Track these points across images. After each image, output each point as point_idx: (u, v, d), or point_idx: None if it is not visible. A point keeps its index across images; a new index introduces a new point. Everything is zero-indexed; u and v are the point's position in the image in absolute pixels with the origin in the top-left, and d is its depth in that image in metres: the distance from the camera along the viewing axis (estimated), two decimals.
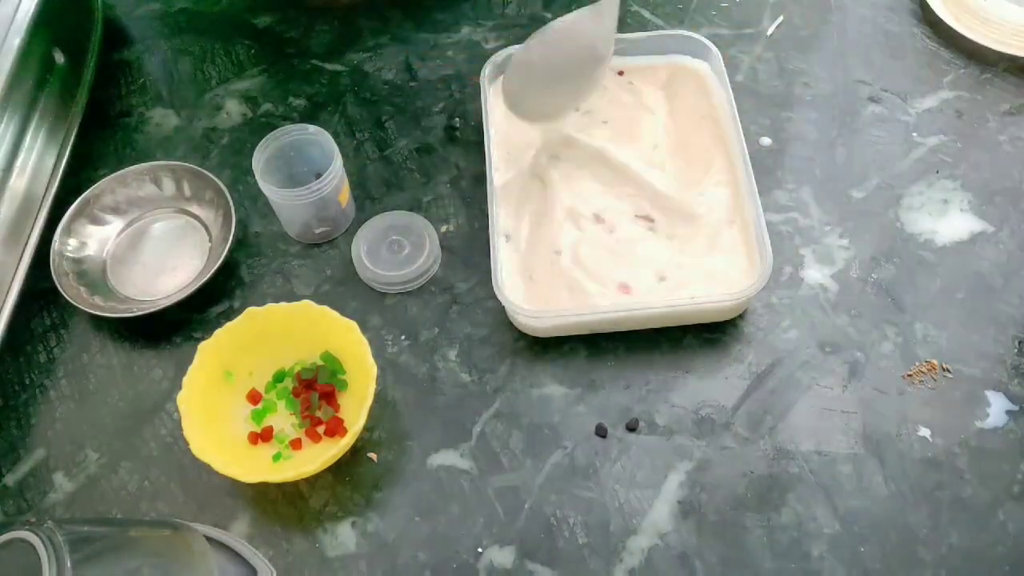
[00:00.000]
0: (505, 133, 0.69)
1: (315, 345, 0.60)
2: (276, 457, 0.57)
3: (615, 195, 0.65)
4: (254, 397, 0.59)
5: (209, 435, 0.55)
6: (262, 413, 0.59)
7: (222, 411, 0.58)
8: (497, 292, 0.58)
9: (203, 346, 0.57)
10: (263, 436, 0.58)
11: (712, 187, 0.64)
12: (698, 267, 0.61)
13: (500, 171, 0.66)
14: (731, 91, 0.66)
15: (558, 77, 0.64)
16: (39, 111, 0.68)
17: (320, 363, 0.60)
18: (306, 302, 0.58)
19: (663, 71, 0.71)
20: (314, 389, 0.59)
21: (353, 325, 0.57)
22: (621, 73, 0.71)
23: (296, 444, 0.58)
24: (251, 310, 0.58)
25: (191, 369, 0.56)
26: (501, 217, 0.64)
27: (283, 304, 0.58)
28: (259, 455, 0.57)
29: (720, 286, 0.60)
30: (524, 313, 0.59)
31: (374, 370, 0.55)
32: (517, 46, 0.70)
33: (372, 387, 0.55)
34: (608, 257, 0.62)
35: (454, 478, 0.57)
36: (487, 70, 0.70)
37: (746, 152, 0.62)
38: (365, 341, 0.56)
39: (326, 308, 0.58)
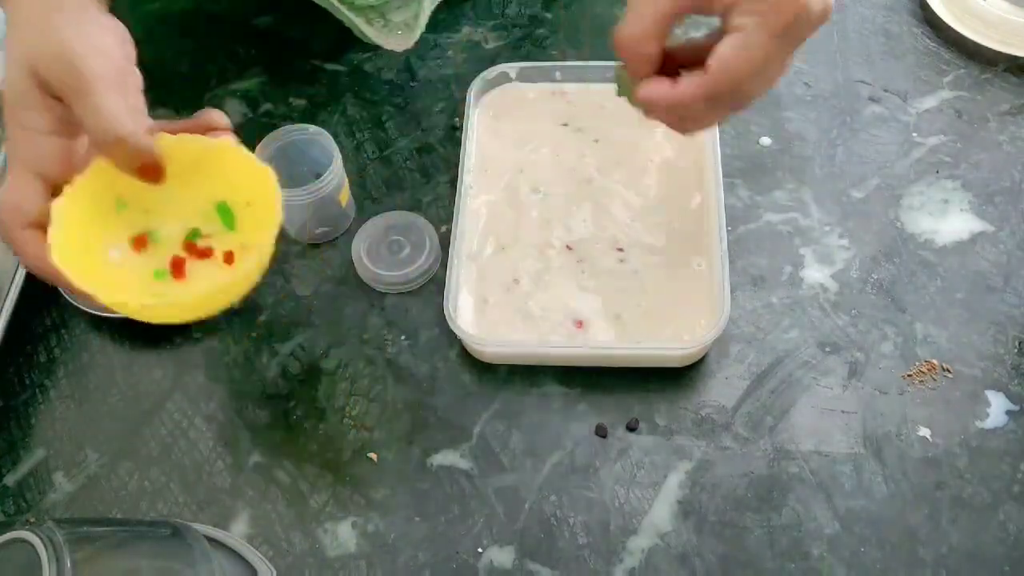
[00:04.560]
0: (487, 152, 0.69)
1: (216, 190, 0.53)
2: (158, 274, 0.51)
3: (592, 225, 0.64)
4: (139, 243, 0.52)
5: (77, 249, 0.48)
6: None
7: (102, 240, 0.51)
8: (448, 318, 0.58)
9: (100, 161, 0.48)
10: (138, 242, 0.51)
11: (687, 223, 0.64)
12: (657, 310, 0.60)
13: (474, 189, 0.66)
14: (718, 134, 0.65)
15: None
16: None
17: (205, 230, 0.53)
18: (225, 140, 0.51)
19: None
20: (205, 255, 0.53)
21: (267, 171, 0.51)
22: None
23: (178, 268, 0.51)
24: (163, 136, 0.49)
25: (78, 179, 0.48)
26: (467, 236, 0.64)
27: (199, 137, 0.51)
28: (135, 274, 0.51)
29: (676, 332, 0.59)
30: (473, 341, 0.59)
31: (278, 218, 0.50)
32: (508, 64, 0.71)
33: (273, 234, 0.49)
34: (570, 289, 0.62)
35: (454, 478, 0.57)
36: (475, 86, 0.70)
37: (722, 199, 0.62)
38: (277, 191, 0.50)
39: (243, 150, 0.51)
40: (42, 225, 0.47)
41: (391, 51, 0.75)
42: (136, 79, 0.53)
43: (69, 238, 0.47)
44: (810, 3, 0.45)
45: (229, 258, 0.52)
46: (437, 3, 0.77)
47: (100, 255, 0.51)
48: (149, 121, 0.51)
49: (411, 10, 0.74)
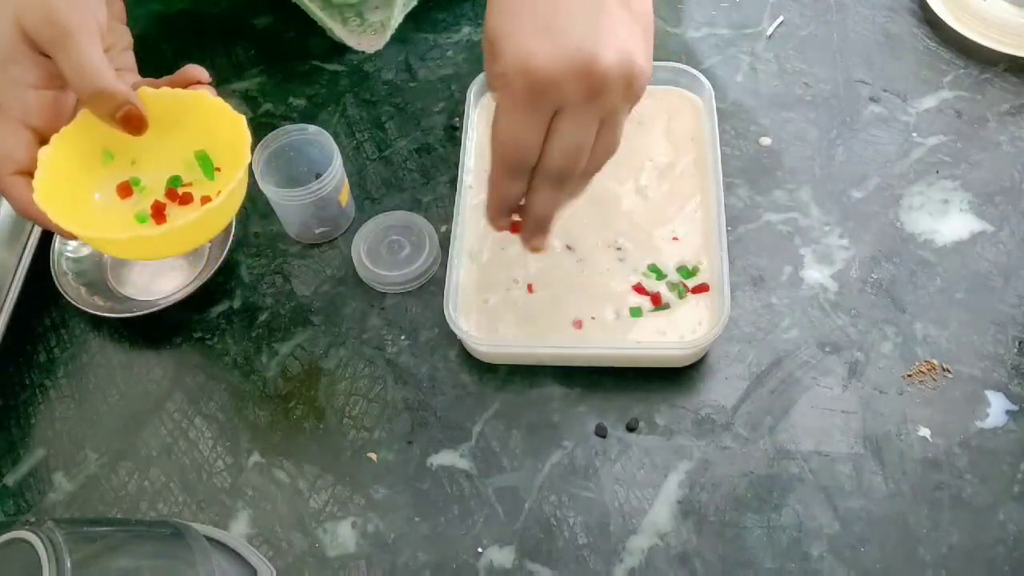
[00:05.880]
0: (486, 151, 0.68)
1: (196, 140, 0.55)
2: (140, 218, 0.54)
3: (591, 224, 0.64)
4: (124, 190, 0.55)
5: (61, 192, 0.50)
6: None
7: (87, 186, 0.53)
8: (448, 318, 0.58)
9: (87, 112, 0.51)
10: (123, 189, 0.54)
11: (686, 223, 0.64)
12: (657, 310, 0.60)
13: (474, 189, 0.66)
14: (718, 134, 0.66)
15: None
16: None
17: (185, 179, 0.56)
18: (202, 91, 0.53)
19: (660, 92, 0.70)
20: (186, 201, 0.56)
21: (241, 118, 0.52)
22: None
23: (159, 212, 0.54)
24: (144, 90, 0.52)
25: (65, 129, 0.51)
26: (467, 236, 0.64)
27: (178, 90, 0.53)
28: (118, 217, 0.54)
29: (676, 332, 0.59)
30: (473, 341, 0.59)
31: (247, 158, 0.51)
32: None
33: (243, 174, 0.51)
34: (569, 289, 0.62)
35: (454, 478, 0.57)
36: (475, 86, 0.70)
37: (722, 199, 0.62)
38: (248, 135, 0.52)
39: (219, 100, 0.53)
40: (30, 172, 0.50)
41: (378, 52, 0.75)
42: (124, 37, 0.56)
43: (54, 182, 0.50)
44: (551, 76, 0.44)
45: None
46: (411, 8, 0.77)
47: (84, 199, 0.53)
48: (136, 78, 0.55)
49: (387, 11, 0.75)
